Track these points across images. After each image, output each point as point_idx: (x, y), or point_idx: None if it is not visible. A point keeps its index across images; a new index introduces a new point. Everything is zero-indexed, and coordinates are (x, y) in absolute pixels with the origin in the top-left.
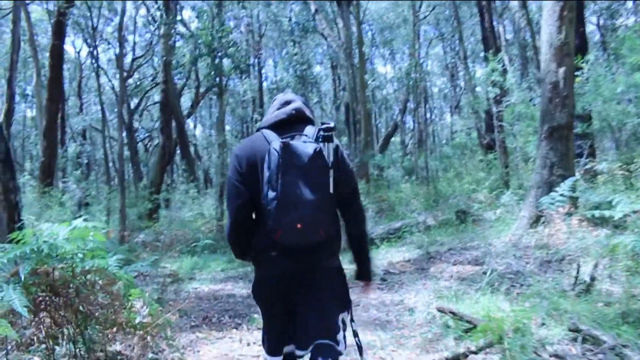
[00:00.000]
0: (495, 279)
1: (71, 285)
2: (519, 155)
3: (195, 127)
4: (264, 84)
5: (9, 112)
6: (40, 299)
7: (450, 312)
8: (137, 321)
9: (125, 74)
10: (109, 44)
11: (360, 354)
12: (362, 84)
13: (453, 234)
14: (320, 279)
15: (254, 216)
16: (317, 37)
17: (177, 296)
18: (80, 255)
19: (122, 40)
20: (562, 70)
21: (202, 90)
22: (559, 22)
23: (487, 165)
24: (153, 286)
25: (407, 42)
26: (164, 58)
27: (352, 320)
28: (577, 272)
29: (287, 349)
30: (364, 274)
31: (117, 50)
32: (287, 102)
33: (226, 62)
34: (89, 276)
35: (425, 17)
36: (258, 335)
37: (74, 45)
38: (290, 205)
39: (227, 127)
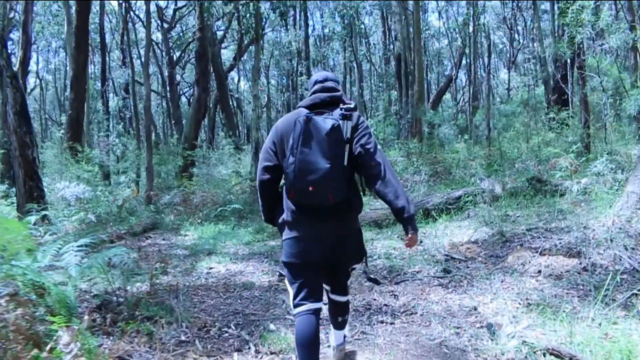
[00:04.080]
0: (602, 279)
1: None
2: (608, 113)
3: (239, 80)
4: (310, 38)
5: (25, 60)
6: None
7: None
8: None
9: (166, 25)
10: None
11: (377, 282)
12: (417, 28)
13: (528, 207)
14: (343, 241)
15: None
16: None
17: (172, 289)
18: None
19: None
20: None
21: (245, 42)
22: None
23: (559, 124)
24: (144, 271)
25: None
26: (199, 1)
27: (366, 265)
28: None
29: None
30: (408, 227)
31: (159, 2)
32: (328, 89)
33: (266, 4)
34: None
35: None
36: None
37: None
38: (305, 171)
39: (272, 82)
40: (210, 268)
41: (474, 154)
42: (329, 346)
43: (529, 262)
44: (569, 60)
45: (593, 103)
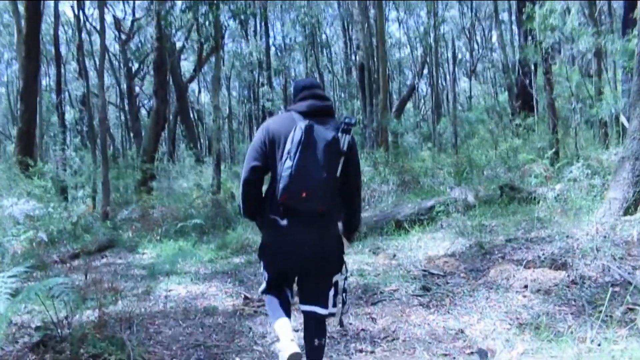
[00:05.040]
0: (593, 293)
1: None
2: (578, 119)
3: (199, 92)
4: (271, 49)
5: None
6: None
7: None
8: None
9: (124, 36)
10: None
11: (343, 305)
12: (380, 35)
13: (503, 215)
14: (322, 249)
15: (266, 187)
16: None
17: (124, 318)
18: None
19: None
20: None
21: (205, 53)
22: None
23: (526, 130)
24: (94, 298)
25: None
26: (156, 9)
27: (345, 278)
28: None
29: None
30: (350, 238)
31: (117, 13)
32: (320, 97)
33: (226, 13)
34: None
35: None
36: None
37: (73, 10)
38: (300, 176)
39: (234, 93)
40: (169, 290)
41: (441, 162)
42: None
43: (513, 276)
44: (533, 66)
45: (558, 109)
